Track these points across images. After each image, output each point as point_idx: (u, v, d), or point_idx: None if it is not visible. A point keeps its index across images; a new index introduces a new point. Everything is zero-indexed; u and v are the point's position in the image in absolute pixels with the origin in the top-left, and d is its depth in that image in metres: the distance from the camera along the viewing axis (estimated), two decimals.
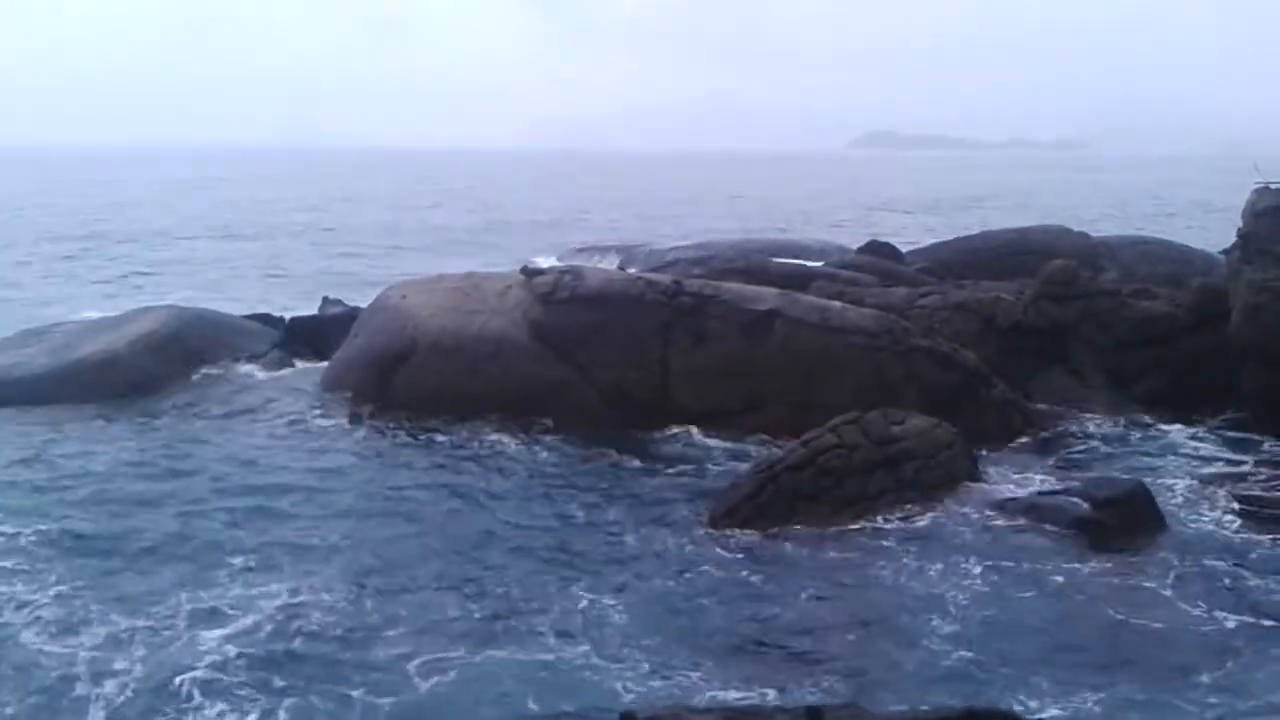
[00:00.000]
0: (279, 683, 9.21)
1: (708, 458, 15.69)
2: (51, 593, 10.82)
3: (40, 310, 26.73)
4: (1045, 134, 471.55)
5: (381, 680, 9.25)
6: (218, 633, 10.05)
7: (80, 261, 40.46)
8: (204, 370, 18.54)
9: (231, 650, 9.70)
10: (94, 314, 24.73)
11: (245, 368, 19.27)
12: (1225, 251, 20.69)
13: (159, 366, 18.13)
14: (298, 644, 9.90)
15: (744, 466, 14.56)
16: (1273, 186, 17.69)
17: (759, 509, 13.09)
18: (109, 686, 9.11)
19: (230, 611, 10.49)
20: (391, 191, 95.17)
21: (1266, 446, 15.93)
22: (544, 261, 28.77)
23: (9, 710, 8.84)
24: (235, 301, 28.22)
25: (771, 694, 8.91)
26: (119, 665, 9.43)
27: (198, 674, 9.26)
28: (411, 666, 9.47)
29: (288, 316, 22.08)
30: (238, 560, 11.72)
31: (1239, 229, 18.23)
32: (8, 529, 12.33)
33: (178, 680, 9.15)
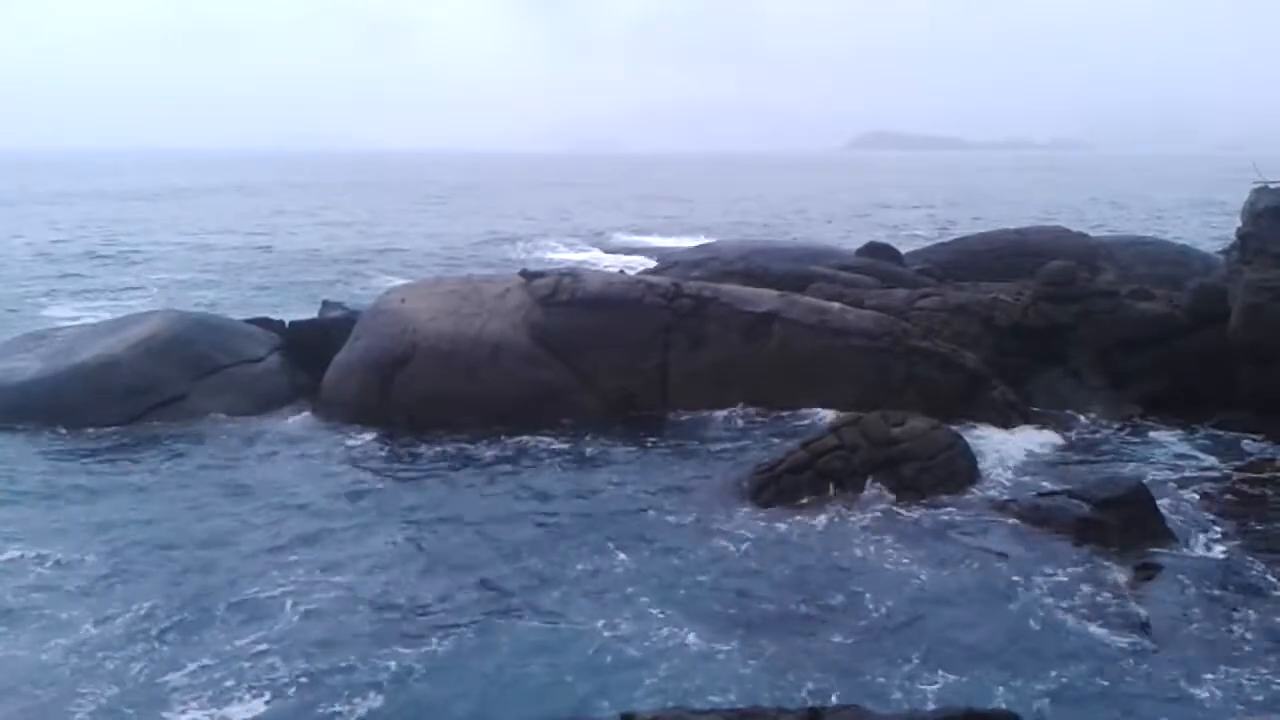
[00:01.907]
0: (311, 663, 9.44)
1: (708, 458, 15.69)
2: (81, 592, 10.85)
3: None
4: (1042, 134, 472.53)
5: (404, 657, 9.50)
6: (243, 617, 10.27)
7: None
8: (204, 374, 18.51)
9: (260, 632, 9.92)
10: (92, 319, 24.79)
11: (246, 371, 19.23)
12: (1223, 251, 20.71)
13: (159, 370, 18.08)
14: (328, 624, 10.12)
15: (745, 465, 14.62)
16: (1271, 186, 17.71)
17: (757, 510, 13.12)
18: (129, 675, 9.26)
19: (259, 598, 10.72)
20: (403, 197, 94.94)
21: (1265, 447, 15.95)
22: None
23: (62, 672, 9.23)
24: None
25: (770, 694, 8.91)
26: (139, 654, 9.62)
27: (237, 658, 9.48)
28: (430, 642, 9.84)
29: (287, 321, 22.03)
30: (257, 554, 11.87)
31: (1238, 229, 18.25)
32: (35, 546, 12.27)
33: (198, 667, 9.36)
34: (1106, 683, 9.20)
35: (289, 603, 10.62)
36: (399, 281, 26.18)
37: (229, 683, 9.11)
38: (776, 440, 15.84)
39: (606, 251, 44.80)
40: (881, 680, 9.23)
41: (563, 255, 43.35)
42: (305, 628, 10.12)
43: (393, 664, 9.43)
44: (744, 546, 12.21)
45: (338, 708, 8.78)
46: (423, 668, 9.39)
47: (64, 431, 16.64)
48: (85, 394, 17.47)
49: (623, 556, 11.94)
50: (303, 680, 9.16)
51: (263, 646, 9.73)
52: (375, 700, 8.90)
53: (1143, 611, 10.53)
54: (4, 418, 17.04)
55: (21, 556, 11.87)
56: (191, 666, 9.39)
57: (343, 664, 9.44)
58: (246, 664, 9.40)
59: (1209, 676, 9.29)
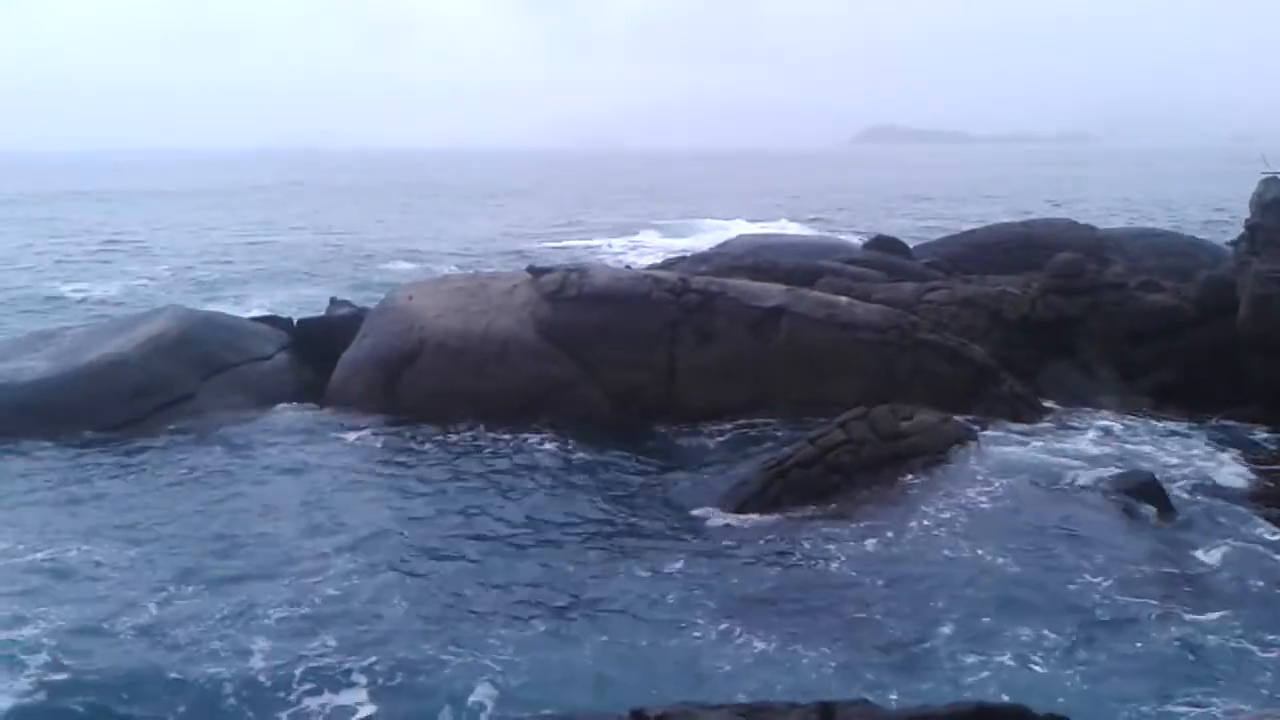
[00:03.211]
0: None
1: (716, 453, 15.68)
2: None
3: None
4: (1047, 128, 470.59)
5: (413, 663, 9.47)
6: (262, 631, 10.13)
7: None
8: (212, 373, 18.54)
9: (290, 645, 9.78)
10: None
11: (254, 369, 19.25)
12: (1232, 243, 20.65)
13: (168, 369, 18.08)
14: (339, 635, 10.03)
15: (752, 461, 14.60)
16: None
17: (766, 505, 13.10)
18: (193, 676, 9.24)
19: (293, 600, 10.64)
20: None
21: (1276, 438, 15.89)
22: None
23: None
24: None
25: (781, 689, 8.91)
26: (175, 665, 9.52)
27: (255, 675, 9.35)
28: (469, 637, 9.79)
29: (295, 318, 22.08)
30: (276, 553, 11.90)
31: (1246, 220, 18.20)
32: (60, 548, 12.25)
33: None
34: (1119, 672, 9.18)
35: (324, 600, 10.66)
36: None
37: (297, 676, 9.19)
38: (784, 435, 15.85)
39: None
40: (891, 675, 9.24)
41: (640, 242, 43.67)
42: (344, 624, 10.15)
43: (446, 662, 9.47)
44: (753, 542, 12.22)
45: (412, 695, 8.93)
46: (463, 663, 9.43)
47: (73, 431, 16.63)
48: (93, 394, 17.48)
49: (635, 551, 11.99)
50: (371, 668, 9.30)
51: (326, 647, 9.73)
52: (440, 693, 9.01)
53: (1154, 602, 10.52)
54: (12, 418, 17.05)
55: (51, 555, 11.87)
56: (262, 648, 9.56)
57: (402, 655, 9.54)
58: (313, 662, 9.45)
59: (1219, 667, 9.27)
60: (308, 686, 9.07)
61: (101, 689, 9.02)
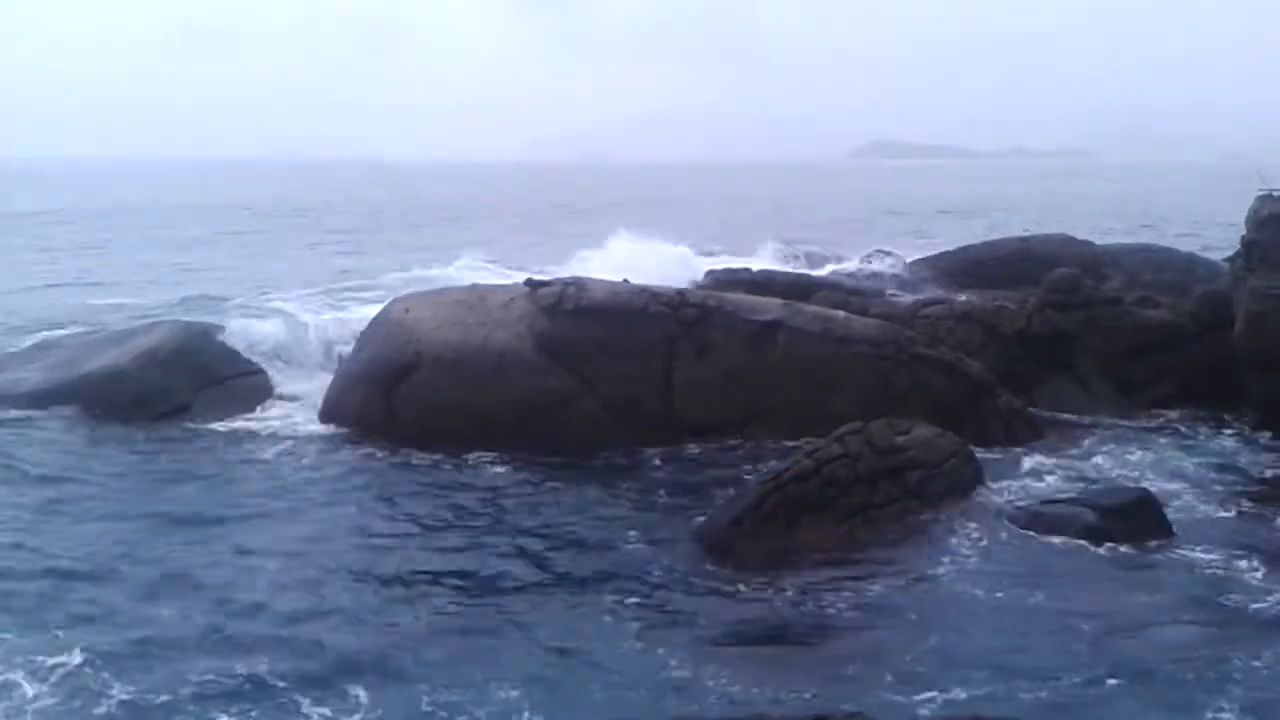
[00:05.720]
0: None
1: (713, 471, 15.67)
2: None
3: None
4: (1045, 142, 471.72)
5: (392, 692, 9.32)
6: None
7: None
8: (208, 384, 18.55)
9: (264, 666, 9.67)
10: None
11: (249, 382, 19.26)
12: (1228, 259, 20.71)
13: (166, 381, 18.13)
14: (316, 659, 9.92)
15: (749, 477, 14.59)
16: (1275, 194, 17.73)
17: (762, 519, 13.06)
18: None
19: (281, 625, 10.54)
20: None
21: (1272, 454, 15.91)
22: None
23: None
24: None
25: (776, 703, 8.89)
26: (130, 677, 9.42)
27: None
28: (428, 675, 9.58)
29: None
30: (269, 571, 11.84)
31: (1242, 236, 18.27)
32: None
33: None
34: (1108, 692, 9.16)
35: (296, 626, 10.56)
36: None
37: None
38: (780, 448, 15.86)
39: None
40: (886, 689, 9.22)
41: None
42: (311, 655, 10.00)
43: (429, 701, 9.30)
44: (750, 555, 12.21)
45: None
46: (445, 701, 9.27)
47: (68, 439, 16.61)
48: (92, 405, 17.51)
49: (626, 570, 11.94)
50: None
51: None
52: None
53: (1146, 620, 10.51)
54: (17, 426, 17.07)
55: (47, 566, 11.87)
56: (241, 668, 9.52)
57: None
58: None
59: (1223, 687, 9.23)
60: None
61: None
